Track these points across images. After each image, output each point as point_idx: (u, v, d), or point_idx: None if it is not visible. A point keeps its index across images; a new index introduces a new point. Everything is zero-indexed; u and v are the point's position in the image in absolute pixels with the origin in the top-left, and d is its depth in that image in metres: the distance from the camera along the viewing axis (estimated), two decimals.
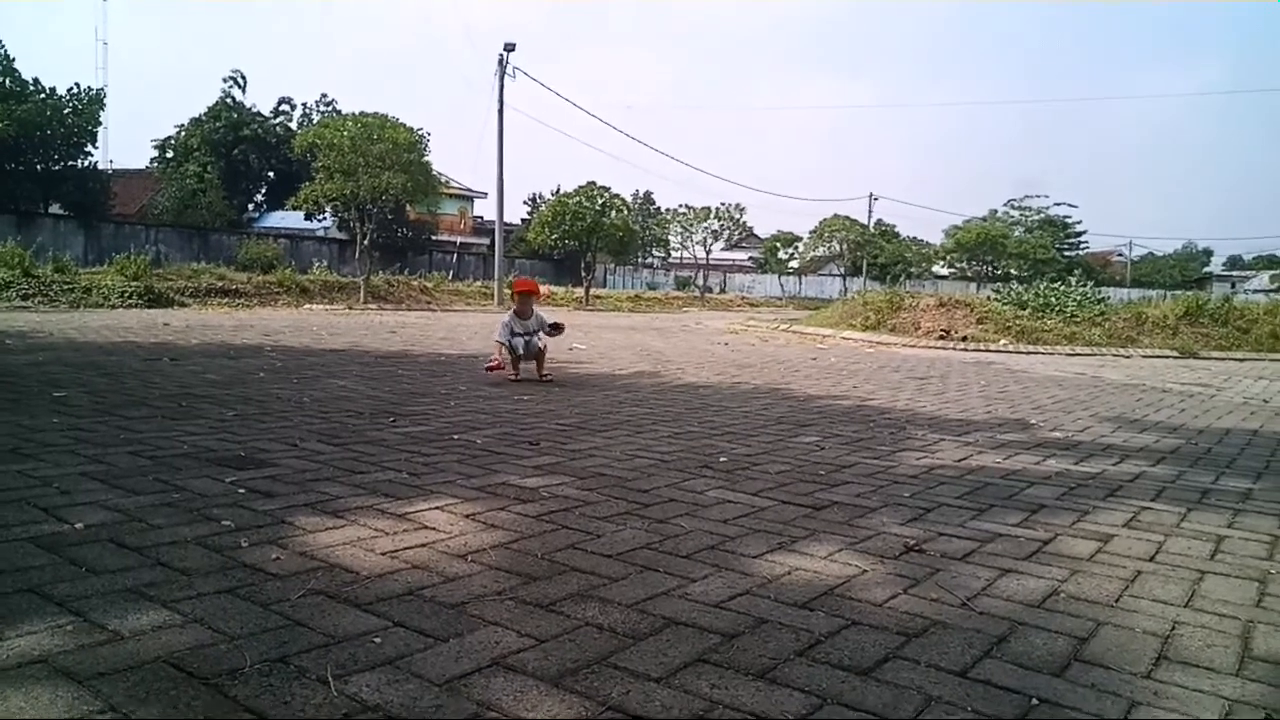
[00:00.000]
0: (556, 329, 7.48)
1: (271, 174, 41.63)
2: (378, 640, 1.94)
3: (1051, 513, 3.41)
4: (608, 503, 3.26)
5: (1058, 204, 63.10)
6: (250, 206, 42.88)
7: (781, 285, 53.85)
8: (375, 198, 25.27)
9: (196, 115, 40.15)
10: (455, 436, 4.48)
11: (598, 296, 34.24)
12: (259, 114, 41.36)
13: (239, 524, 2.75)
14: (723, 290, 52.43)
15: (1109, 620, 2.27)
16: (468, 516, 2.98)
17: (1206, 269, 71.17)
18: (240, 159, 39.66)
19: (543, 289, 33.13)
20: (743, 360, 10.65)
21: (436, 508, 3.07)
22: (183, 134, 39.96)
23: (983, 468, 4.28)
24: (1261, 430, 6.08)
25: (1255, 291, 41.31)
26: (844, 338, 16.22)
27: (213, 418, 4.71)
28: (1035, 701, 1.79)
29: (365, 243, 25.36)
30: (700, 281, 48.90)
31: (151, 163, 41.03)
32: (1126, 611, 2.34)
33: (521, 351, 7.11)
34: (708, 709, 1.70)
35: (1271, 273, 57.52)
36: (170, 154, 40.07)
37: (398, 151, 24.68)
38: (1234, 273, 70.09)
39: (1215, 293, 23.37)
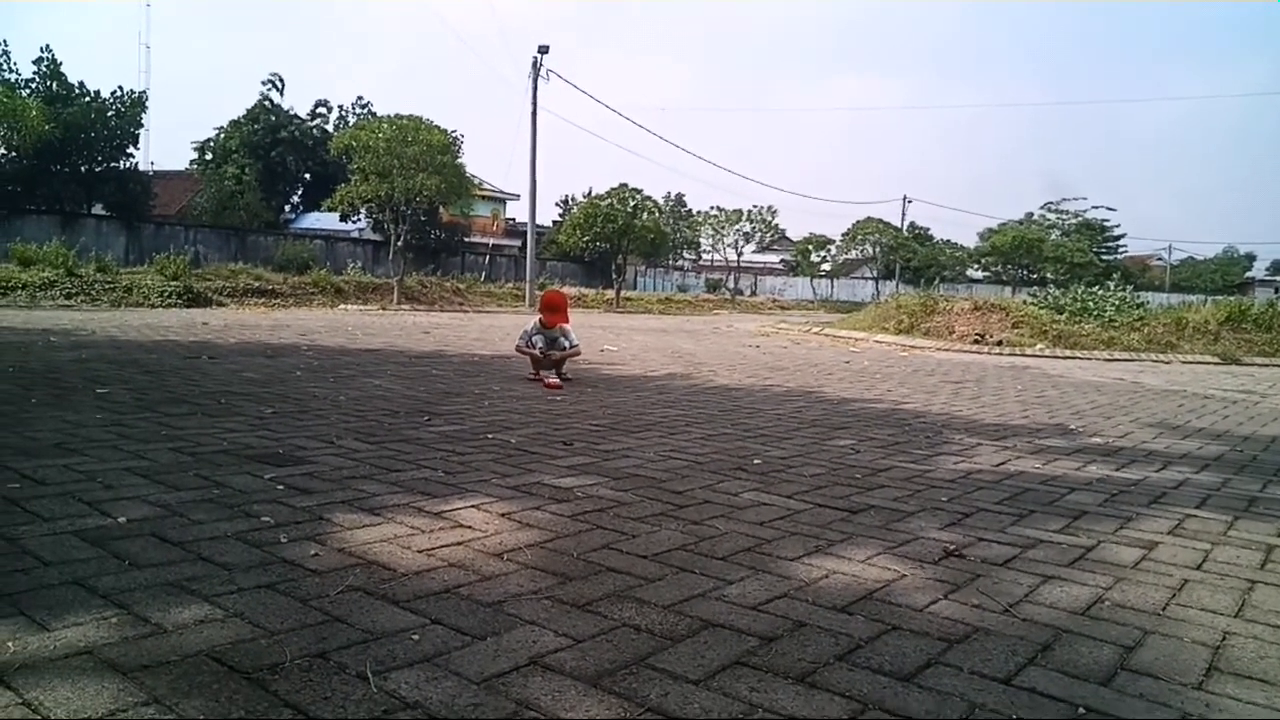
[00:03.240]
0: (573, 350, 7.34)
1: (308, 175, 42.09)
2: (416, 637, 1.94)
3: (1094, 519, 3.35)
4: (643, 503, 3.25)
5: (1095, 207, 62.25)
6: (287, 208, 43.39)
7: (813, 288, 53.54)
8: (409, 199, 25.52)
9: (235, 117, 40.72)
10: (490, 436, 4.49)
11: (628, 299, 34.28)
12: (296, 116, 41.86)
13: (278, 520, 2.77)
14: (754, 293, 52.25)
15: (1156, 629, 2.22)
16: (503, 515, 2.98)
17: (1249, 274, 69.74)
18: (278, 161, 40.16)
19: (573, 291, 33.30)
20: (775, 363, 10.59)
21: (473, 506, 3.08)
22: (222, 136, 40.55)
23: (1022, 473, 4.21)
24: None
25: None
26: (877, 341, 16.09)
27: (251, 415, 4.76)
28: (1083, 711, 1.75)
29: (399, 244, 25.61)
30: (731, 284, 48.77)
31: (191, 164, 41.69)
32: (1174, 621, 2.29)
33: (542, 349, 7.10)
34: (747, 712, 1.68)
35: None
36: (209, 156, 40.67)
37: (431, 153, 24.90)
38: (1278, 278, 68.55)
39: (1258, 298, 22.87)
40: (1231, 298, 22.02)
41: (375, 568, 2.38)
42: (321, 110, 43.52)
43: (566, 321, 7.25)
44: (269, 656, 1.80)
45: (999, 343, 15.25)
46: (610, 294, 32.81)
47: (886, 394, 7.54)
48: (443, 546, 2.60)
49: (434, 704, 1.64)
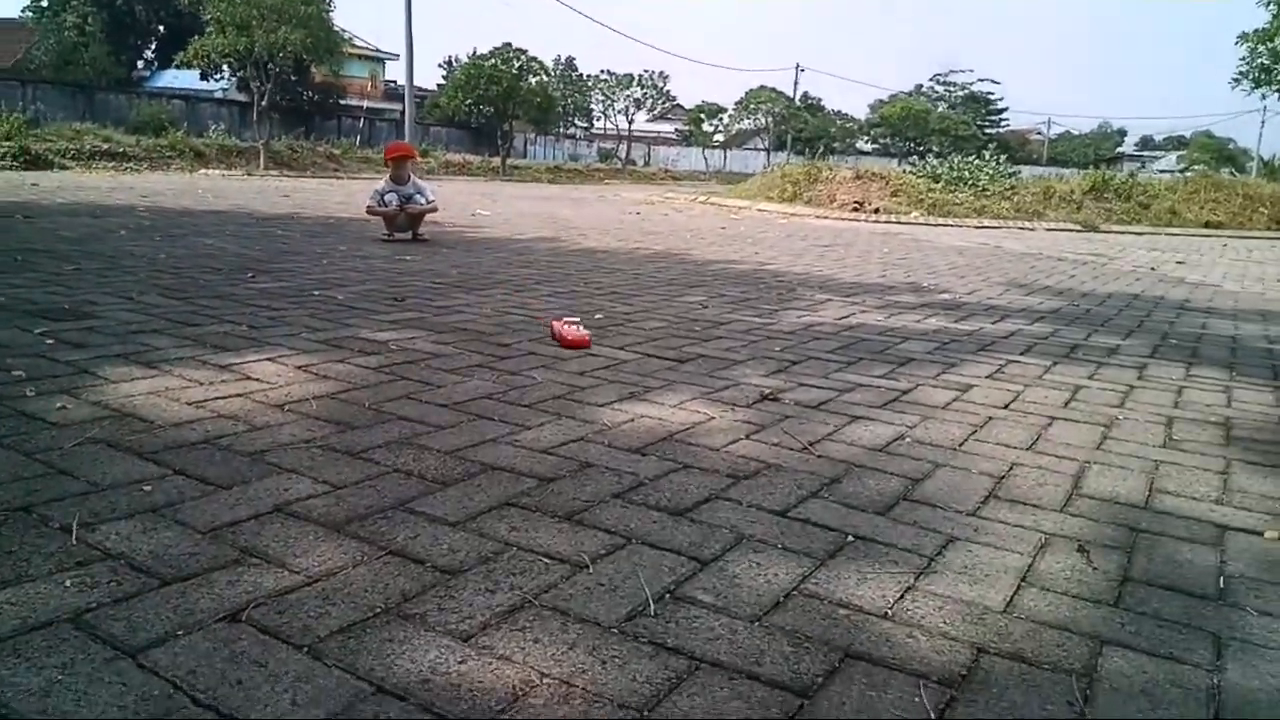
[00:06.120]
0: (430, 207, 6.99)
1: (162, 28, 38.43)
2: (148, 488, 1.75)
3: (919, 365, 3.37)
4: (461, 355, 3.09)
5: (981, 80, 63.11)
6: (140, 64, 39.74)
7: (705, 159, 52.99)
8: (273, 55, 23.66)
9: None
10: (316, 293, 4.21)
11: (516, 167, 33.17)
12: None
13: (32, 374, 2.49)
14: (647, 163, 51.35)
15: (948, 463, 2.22)
16: (300, 368, 2.77)
17: (1120, 149, 72.60)
18: (125, 10, 36.42)
19: (458, 158, 31.98)
20: (650, 229, 10.41)
21: (267, 359, 2.85)
22: None
23: (862, 325, 4.22)
24: (1142, 294, 6.19)
25: (1161, 171, 42.31)
26: (759, 209, 16.06)
27: (47, 272, 4.32)
28: (851, 539, 1.72)
29: (264, 103, 23.94)
30: (623, 154, 47.78)
31: (24, 12, 37.44)
32: (968, 455, 2.30)
33: (395, 206, 6.71)
34: (498, 551, 1.57)
35: (1179, 153, 58.92)
36: (45, 3, 36.59)
37: (295, 4, 23.00)
38: (1145, 153, 71.62)
39: (1125, 171, 23.77)
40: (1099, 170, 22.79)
41: (129, 420, 2.16)
42: None
43: (413, 160, 6.92)
44: None
45: (876, 210, 15.43)
46: (496, 162, 31.68)
47: (753, 256, 7.50)
48: (217, 399, 2.38)
49: (140, 555, 1.47)
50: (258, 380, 2.60)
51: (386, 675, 1.17)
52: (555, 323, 3.47)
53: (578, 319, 3.49)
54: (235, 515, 1.66)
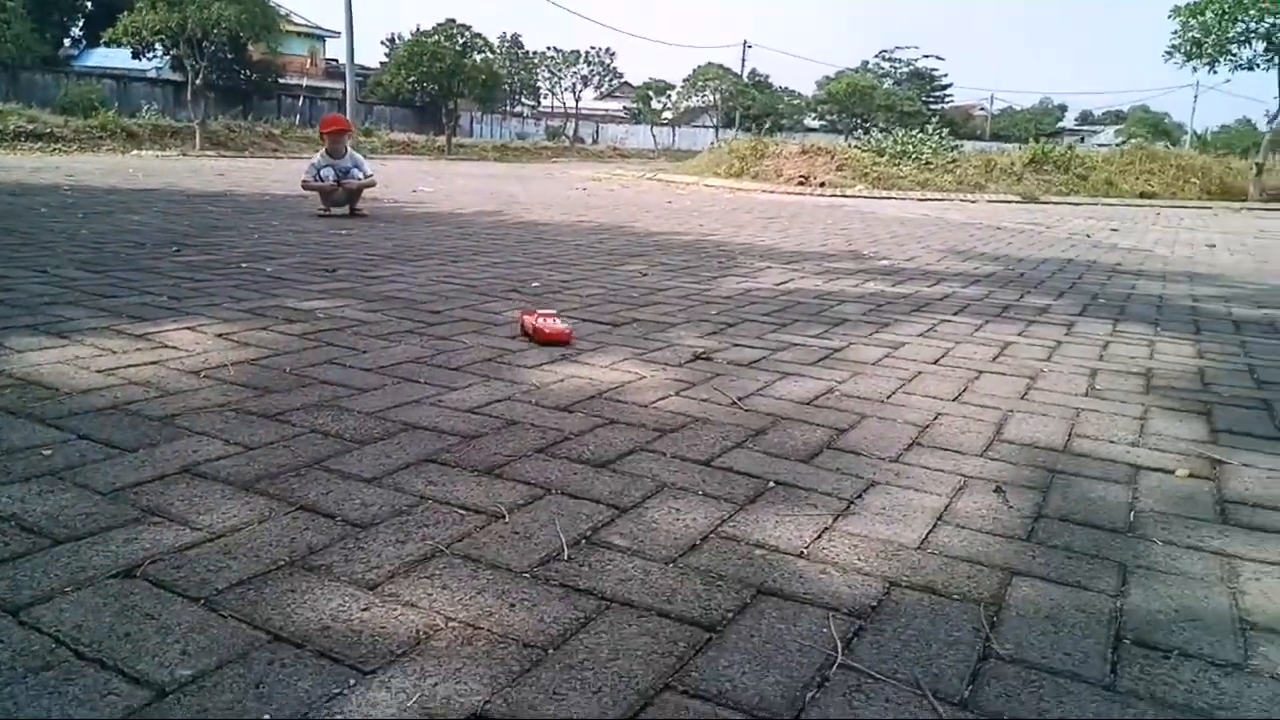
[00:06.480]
0: (368, 181, 6.85)
1: (89, 4, 37.13)
2: (48, 453, 1.68)
3: (853, 326, 3.39)
4: (390, 323, 3.03)
5: (925, 56, 63.73)
6: (68, 42, 38.34)
7: (654, 137, 52.79)
8: (207, 32, 22.94)
9: None
10: (243, 265, 4.10)
11: (462, 146, 32.74)
12: None
13: None
14: (595, 141, 51.03)
15: (875, 414, 2.23)
16: (220, 336, 2.69)
17: (1060, 124, 73.87)
18: None
19: (403, 137, 31.42)
20: (595, 203, 10.35)
21: (186, 328, 2.76)
22: None
23: (799, 289, 4.24)
24: (1075, 259, 6.31)
25: (1100, 145, 43.19)
26: (706, 185, 16.06)
27: None
28: (773, 484, 1.72)
29: (198, 82, 23.22)
30: (571, 132, 47.39)
31: None
32: (895, 406, 2.31)
33: (332, 181, 6.56)
34: (413, 504, 1.54)
35: (1117, 128, 60.23)
36: None
37: None
38: (1084, 127, 73.05)
39: (1065, 145, 24.18)
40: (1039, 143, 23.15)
41: (34, 388, 2.07)
42: None
43: (349, 134, 6.78)
44: None
45: (822, 184, 15.54)
46: (442, 140, 31.20)
47: (696, 228, 7.49)
48: (129, 366, 2.30)
49: (33, 515, 1.41)
50: (174, 348, 2.52)
51: (284, 624, 1.14)
52: (526, 316, 2.95)
53: (554, 311, 3.01)
54: (139, 477, 1.60)
